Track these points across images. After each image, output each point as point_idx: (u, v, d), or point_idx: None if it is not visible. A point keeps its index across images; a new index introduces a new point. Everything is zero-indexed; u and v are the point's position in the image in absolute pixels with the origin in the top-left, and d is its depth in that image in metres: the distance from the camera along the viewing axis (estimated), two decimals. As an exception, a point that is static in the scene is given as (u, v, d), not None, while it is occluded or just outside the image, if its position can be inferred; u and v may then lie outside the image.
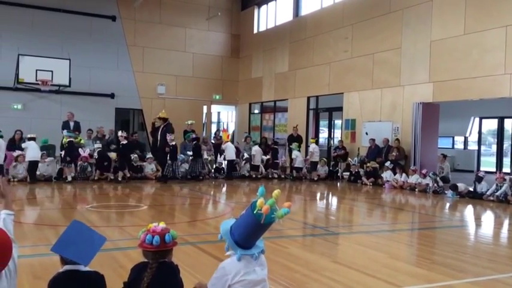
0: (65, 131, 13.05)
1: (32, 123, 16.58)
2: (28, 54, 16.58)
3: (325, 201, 11.50)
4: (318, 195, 12.22)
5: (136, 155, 13.70)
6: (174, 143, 13.10)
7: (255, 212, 2.69)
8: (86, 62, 18.69)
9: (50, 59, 16.80)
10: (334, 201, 11.56)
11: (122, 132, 13.45)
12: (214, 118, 26.77)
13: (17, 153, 12.23)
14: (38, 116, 17.56)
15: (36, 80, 16.32)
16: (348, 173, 14.85)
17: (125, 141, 13.03)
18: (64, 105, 17.83)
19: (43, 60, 16.61)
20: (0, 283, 2.38)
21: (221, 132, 16.03)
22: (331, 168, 15.72)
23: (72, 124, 14.37)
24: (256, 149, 14.91)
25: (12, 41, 17.56)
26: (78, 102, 18.32)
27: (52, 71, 16.52)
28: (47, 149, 13.33)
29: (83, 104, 18.34)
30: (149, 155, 14.07)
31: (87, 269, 2.73)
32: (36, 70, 16.32)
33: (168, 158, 13.21)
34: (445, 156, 13.95)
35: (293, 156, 15.26)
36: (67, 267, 2.69)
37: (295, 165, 15.08)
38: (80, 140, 13.60)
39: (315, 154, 15.09)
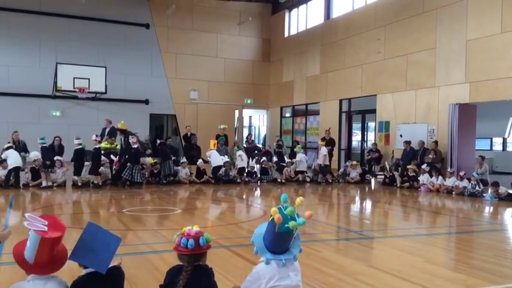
0: (38, 139, 12.51)
1: (69, 129, 17.10)
2: (66, 63, 17.13)
3: (358, 204, 11.36)
4: (351, 198, 12.08)
5: (171, 160, 13.88)
6: (136, 145, 12.43)
7: (270, 220, 2.72)
8: (121, 69, 19.15)
9: (87, 67, 17.33)
10: (368, 204, 11.40)
11: (97, 136, 12.85)
12: (246, 122, 26.90)
13: (56, 158, 12.60)
14: (76, 122, 18.09)
15: (74, 88, 16.85)
16: (383, 176, 14.60)
17: (97, 146, 12.55)
18: (100, 111, 18.30)
19: (80, 68, 17.15)
20: (52, 281, 2.66)
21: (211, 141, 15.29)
22: (366, 168, 15.52)
23: (107, 130, 14.70)
24: (241, 153, 14.52)
25: (50, 50, 18.18)
26: (114, 108, 18.77)
27: (89, 79, 17.02)
28: (84, 155, 13.63)
29: (118, 110, 18.77)
30: (183, 160, 14.23)
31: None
32: (74, 78, 16.87)
33: (128, 160, 12.47)
34: (483, 158, 13.55)
35: (297, 158, 14.78)
36: (87, 270, 2.76)
37: (298, 169, 14.62)
38: (116, 145, 13.89)
39: (326, 157, 14.70)
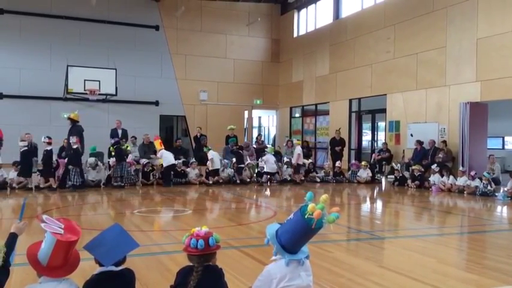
0: None
1: (80, 131, 17.19)
2: (76, 65, 17.24)
3: (369, 205, 11.32)
4: (362, 199, 12.03)
5: (180, 161, 13.93)
6: (76, 146, 11.75)
7: (306, 217, 2.68)
8: (131, 71, 19.25)
9: (97, 69, 17.43)
10: (378, 204, 11.35)
11: (46, 138, 12.07)
12: (255, 123, 26.90)
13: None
14: (86, 124, 17.97)
15: (85, 90, 16.96)
16: (393, 177, 14.49)
17: (49, 147, 11.96)
18: (111, 113, 18.42)
19: (90, 70, 17.25)
20: (64, 283, 2.72)
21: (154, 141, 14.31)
22: (376, 169, 15.42)
23: (120, 132, 14.80)
24: (213, 153, 13.96)
25: (61, 52, 18.32)
26: (124, 110, 18.87)
27: (99, 81, 17.12)
28: (96, 156, 13.75)
29: (128, 112, 18.88)
30: (193, 160, 14.27)
31: (120, 268, 2.84)
32: (84, 80, 16.96)
33: (70, 163, 11.88)
34: (494, 157, 13.41)
35: (264, 159, 14.23)
36: (101, 268, 2.82)
37: (266, 170, 14.09)
38: (127, 146, 13.99)
39: (301, 156, 14.40)
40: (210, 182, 13.50)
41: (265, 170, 14.16)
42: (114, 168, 12.78)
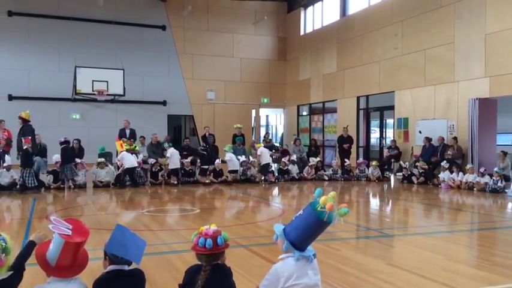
0: None
1: (89, 132, 17.34)
2: (84, 66, 17.34)
3: (378, 202, 11.27)
4: (370, 196, 11.98)
5: (188, 160, 13.94)
6: (26, 146, 11.22)
7: (318, 209, 2.68)
8: (139, 71, 19.32)
9: (105, 69, 17.54)
10: (387, 202, 11.30)
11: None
12: (262, 121, 26.89)
13: (76, 161, 12.76)
14: (95, 125, 18.33)
15: (93, 91, 17.06)
16: (402, 174, 14.41)
17: None
18: (119, 113, 18.51)
19: (98, 71, 17.36)
20: (73, 282, 2.75)
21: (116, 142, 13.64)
22: (385, 167, 15.35)
23: (128, 132, 14.85)
24: (172, 152, 13.30)
25: (69, 54, 18.44)
26: (132, 110, 18.96)
27: (107, 81, 17.22)
28: (104, 156, 13.82)
29: (136, 112, 18.95)
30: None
31: (131, 267, 2.86)
32: (93, 81, 17.07)
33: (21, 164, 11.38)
34: (505, 154, 13.30)
35: (226, 158, 13.80)
36: (113, 267, 2.82)
37: (230, 168, 13.70)
38: (135, 147, 14.02)
39: (262, 156, 14.00)
40: (175, 182, 13.11)
41: (229, 168, 13.76)
42: (61, 171, 12.02)
